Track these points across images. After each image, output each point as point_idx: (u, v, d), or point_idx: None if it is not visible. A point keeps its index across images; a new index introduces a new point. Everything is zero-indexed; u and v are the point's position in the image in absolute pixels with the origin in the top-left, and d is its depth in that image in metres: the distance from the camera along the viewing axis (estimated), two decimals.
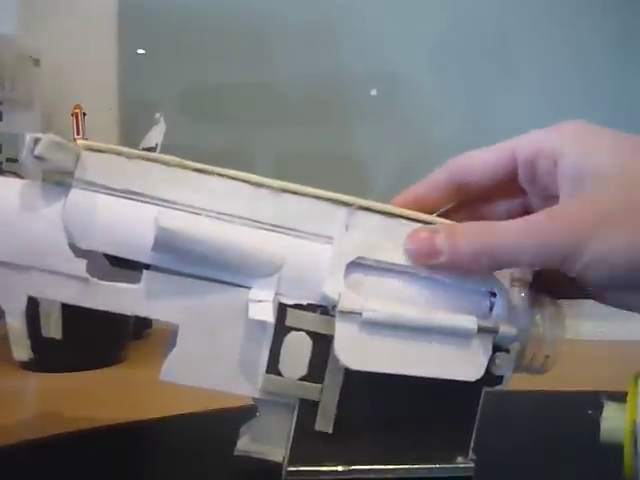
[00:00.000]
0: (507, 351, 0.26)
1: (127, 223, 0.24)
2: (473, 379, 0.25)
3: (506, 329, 0.25)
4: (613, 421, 0.25)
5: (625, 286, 0.23)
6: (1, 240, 0.23)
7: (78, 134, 0.54)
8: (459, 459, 0.27)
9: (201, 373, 0.25)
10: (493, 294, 0.26)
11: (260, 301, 0.24)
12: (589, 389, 0.38)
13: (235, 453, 0.26)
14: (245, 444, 0.26)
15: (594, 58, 0.75)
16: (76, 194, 0.23)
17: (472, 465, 0.27)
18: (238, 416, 0.28)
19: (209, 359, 0.25)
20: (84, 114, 0.55)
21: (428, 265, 0.24)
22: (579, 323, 0.72)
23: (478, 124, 0.74)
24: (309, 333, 0.25)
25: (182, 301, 0.24)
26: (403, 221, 0.25)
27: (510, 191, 0.28)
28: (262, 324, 0.24)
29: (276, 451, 0.26)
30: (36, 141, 0.22)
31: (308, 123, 0.73)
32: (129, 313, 0.24)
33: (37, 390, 0.43)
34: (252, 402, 0.26)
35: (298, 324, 0.25)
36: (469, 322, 0.25)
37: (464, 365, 0.25)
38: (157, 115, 0.52)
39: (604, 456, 0.25)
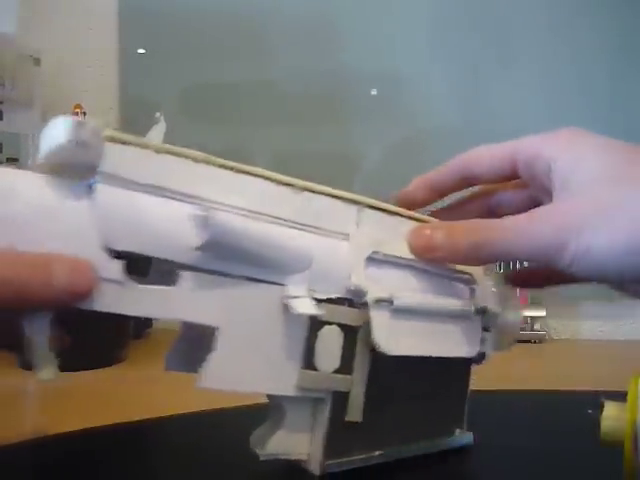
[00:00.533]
0: (488, 331, 0.29)
1: (165, 222, 0.21)
2: (472, 355, 0.28)
3: (491, 310, 0.28)
4: (613, 421, 0.25)
5: (615, 279, 0.25)
6: (21, 243, 0.19)
7: None
8: (457, 431, 0.30)
9: (243, 377, 0.23)
10: (470, 282, 0.28)
11: (297, 297, 0.24)
12: (589, 389, 0.38)
13: (261, 458, 0.25)
14: (273, 447, 0.25)
15: (593, 57, 0.76)
16: (106, 190, 0.20)
17: (471, 433, 0.30)
18: (240, 415, 0.28)
19: (250, 361, 0.23)
20: (84, 113, 0.55)
21: (428, 258, 0.27)
22: (579, 323, 0.72)
23: (478, 125, 0.74)
24: (340, 326, 0.25)
25: (222, 302, 0.23)
26: (400, 218, 0.27)
27: (517, 184, 0.30)
28: (298, 321, 0.24)
29: (301, 449, 0.26)
30: (80, 125, 0.19)
31: (308, 122, 0.73)
32: (167, 318, 0.22)
33: (37, 390, 0.43)
34: (253, 402, 0.26)
35: (331, 318, 0.25)
36: (468, 305, 0.28)
37: (465, 343, 0.28)
38: (157, 115, 0.52)
39: (604, 456, 0.25)
